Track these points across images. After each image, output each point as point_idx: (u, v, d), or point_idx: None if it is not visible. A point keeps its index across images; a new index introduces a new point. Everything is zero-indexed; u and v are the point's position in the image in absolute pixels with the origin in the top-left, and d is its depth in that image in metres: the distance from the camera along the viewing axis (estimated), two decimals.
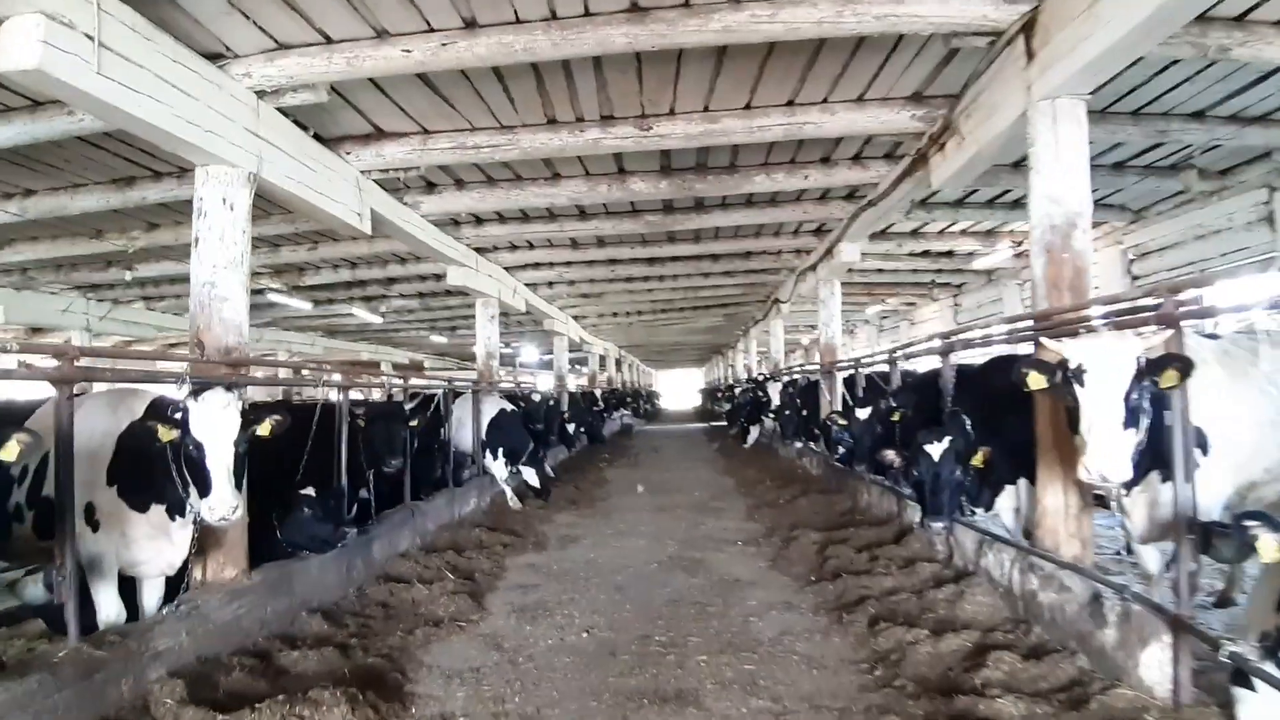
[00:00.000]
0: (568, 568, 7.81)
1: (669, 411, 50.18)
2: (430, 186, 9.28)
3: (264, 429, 4.79)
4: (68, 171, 7.96)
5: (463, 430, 11.13)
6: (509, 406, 11.79)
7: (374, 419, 7.70)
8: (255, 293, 15.38)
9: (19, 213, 8.21)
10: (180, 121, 5.02)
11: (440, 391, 10.21)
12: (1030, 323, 5.74)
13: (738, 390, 24.09)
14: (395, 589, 6.73)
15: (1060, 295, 5.30)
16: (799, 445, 14.22)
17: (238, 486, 4.51)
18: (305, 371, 7.58)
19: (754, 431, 19.96)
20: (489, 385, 12.39)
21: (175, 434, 4.34)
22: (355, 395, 7.93)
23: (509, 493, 11.53)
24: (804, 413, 13.32)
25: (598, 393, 24.50)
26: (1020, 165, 9.64)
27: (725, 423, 25.21)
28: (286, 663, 4.88)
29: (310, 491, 6.41)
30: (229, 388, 4.66)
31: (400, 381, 9.52)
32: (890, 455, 6.88)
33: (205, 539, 5.04)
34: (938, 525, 6.21)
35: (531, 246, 12.91)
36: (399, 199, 9.06)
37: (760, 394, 16.06)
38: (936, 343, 7.68)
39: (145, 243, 10.70)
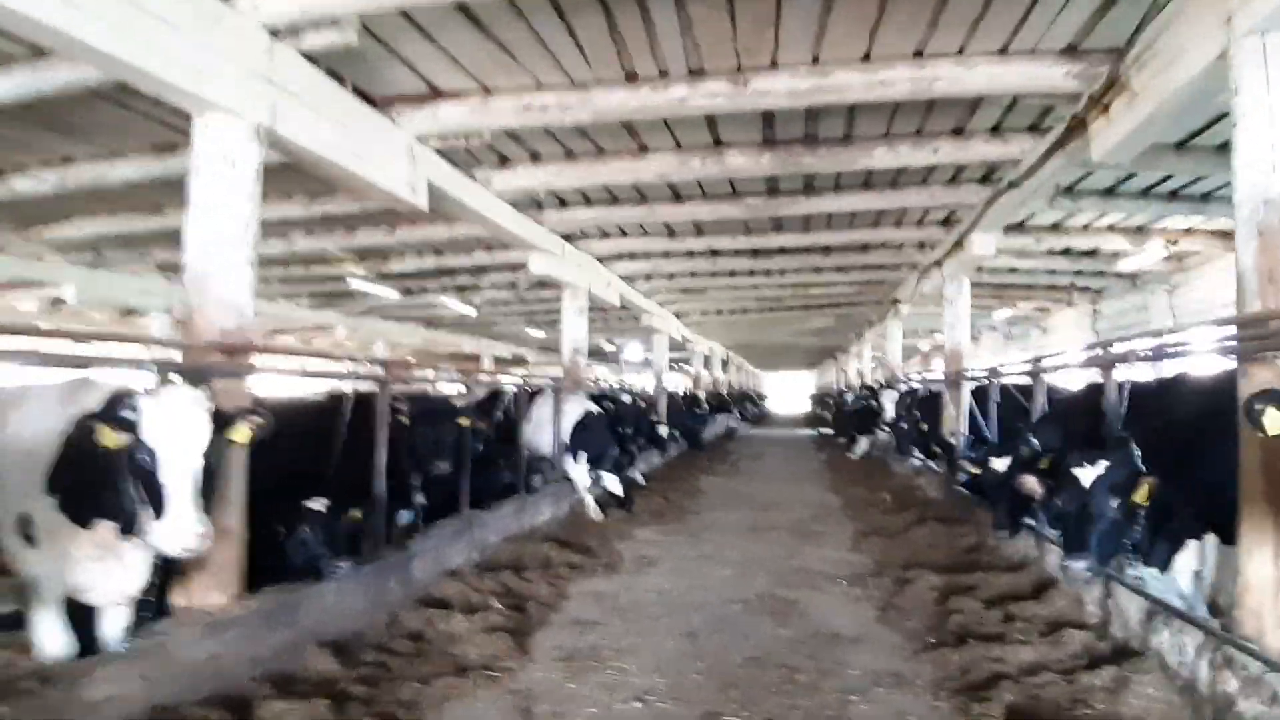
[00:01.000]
0: (637, 599, 6.70)
1: (777, 416, 48.46)
2: (502, 160, 8.35)
3: (239, 434, 3.88)
4: (101, 136, 7.37)
5: (542, 432, 10.19)
6: (594, 408, 10.78)
7: (419, 416, 6.79)
8: (333, 279, 15.06)
9: (59, 183, 7.71)
10: (171, 62, 4.18)
11: (511, 389, 9.27)
12: (1233, 330, 4.25)
13: (848, 398, 22.46)
14: (434, 616, 5.78)
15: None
16: (916, 463, 12.67)
17: (207, 506, 3.62)
18: (347, 363, 6.73)
19: (863, 443, 18.35)
20: (574, 384, 11.43)
21: (124, 439, 3.47)
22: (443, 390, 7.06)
23: (589, 502, 10.53)
24: (923, 426, 11.78)
25: (700, 394, 23.32)
26: (1184, 146, 7.96)
27: (833, 431, 23.60)
28: (267, 716, 3.96)
29: (318, 505, 5.56)
30: (198, 380, 3.77)
31: (458, 375, 8.55)
32: (1030, 482, 5.46)
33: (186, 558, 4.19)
34: (1079, 565, 4.90)
35: (624, 234, 11.87)
36: (468, 174, 8.16)
37: (873, 403, 14.51)
38: (1096, 352, 6.20)
39: None
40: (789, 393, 65.40)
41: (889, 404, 13.41)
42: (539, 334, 23.80)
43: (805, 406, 54.53)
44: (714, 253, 13.31)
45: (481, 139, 7.00)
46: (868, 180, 9.33)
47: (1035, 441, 6.12)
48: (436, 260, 13.11)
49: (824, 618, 6.23)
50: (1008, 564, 7.29)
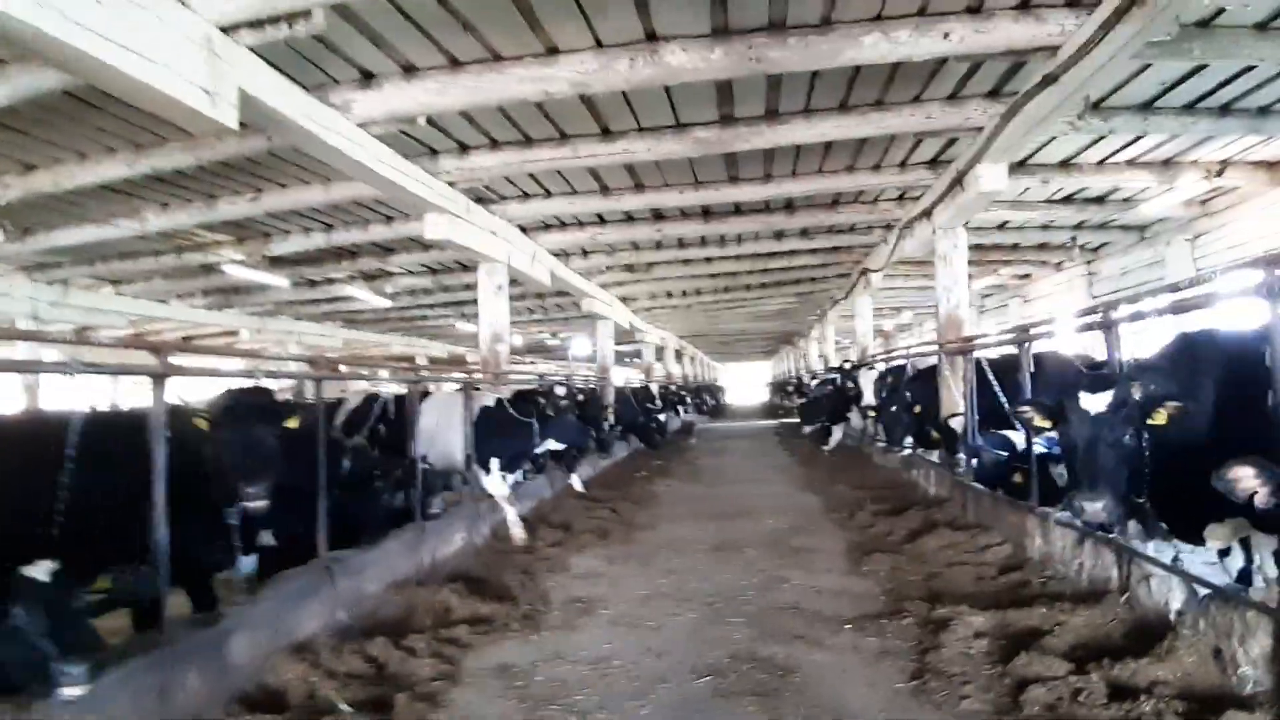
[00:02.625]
0: (560, 677, 4.62)
1: (735, 407, 46.66)
2: (365, 78, 6.19)
3: None
4: None
5: (440, 441, 8.07)
6: (493, 401, 8.72)
7: (223, 421, 4.60)
8: (206, 269, 12.71)
9: None
10: None
11: (388, 392, 7.17)
12: None
13: (814, 382, 20.60)
14: None
15: None
16: (906, 452, 10.77)
17: None
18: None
19: (837, 432, 16.48)
20: (494, 378, 9.28)
21: None
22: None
23: (511, 516, 8.43)
24: (915, 409, 9.87)
25: (653, 388, 21.29)
26: (1268, 27, 6.18)
27: (799, 420, 21.75)
28: None
29: (39, 572, 3.45)
30: None
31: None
32: (1247, 474, 3.40)
33: None
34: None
35: (545, 191, 9.74)
36: (318, 96, 5.99)
37: (849, 385, 12.55)
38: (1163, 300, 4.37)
39: (21, 191, 7.91)
40: (746, 384, 63.81)
41: (867, 385, 11.46)
42: (472, 328, 21.51)
43: (762, 397, 53.04)
44: (658, 215, 11.26)
45: (319, 30, 4.83)
46: (846, 100, 7.35)
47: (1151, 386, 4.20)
48: (326, 237, 10.86)
49: (834, 695, 4.21)
50: (1075, 591, 5.37)
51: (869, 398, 11.24)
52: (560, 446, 9.16)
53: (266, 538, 5.91)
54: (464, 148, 7.90)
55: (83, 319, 13.50)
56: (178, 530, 4.20)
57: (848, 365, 14.51)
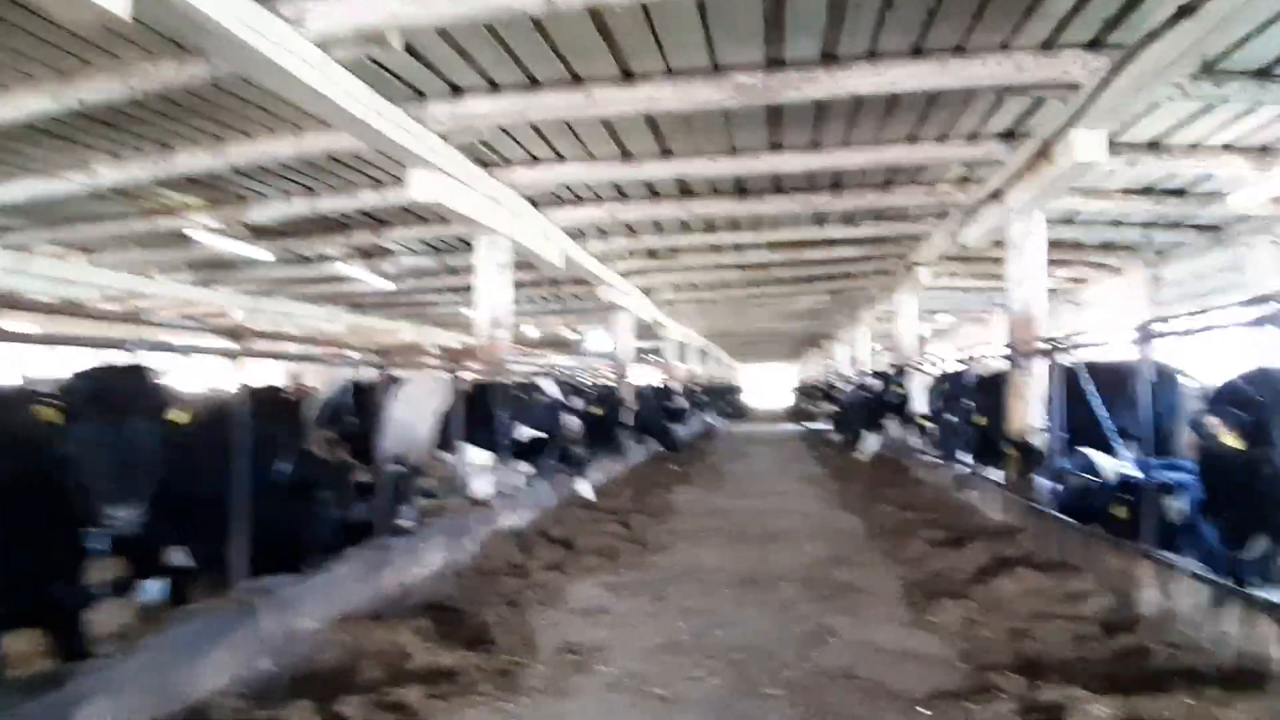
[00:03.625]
0: None
1: (757, 411, 45.17)
2: None
3: None
4: None
5: (409, 437, 6.82)
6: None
7: (81, 412, 3.33)
8: (184, 238, 11.48)
9: None
10: None
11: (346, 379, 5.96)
12: None
13: (848, 387, 19.19)
14: None
15: None
16: (960, 469, 9.38)
17: None
18: None
19: (872, 440, 15.10)
20: (493, 367, 8.01)
21: None
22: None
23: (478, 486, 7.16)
24: (978, 420, 8.50)
25: (674, 387, 19.96)
26: None
27: (832, 426, 20.36)
28: None
29: None
30: None
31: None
32: None
33: None
34: None
35: (559, 156, 8.45)
36: (266, 4, 4.73)
37: (897, 388, 11.11)
38: None
39: None
40: (769, 386, 62.11)
41: (918, 391, 10.05)
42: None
43: (786, 401, 51.34)
44: (685, 190, 9.94)
45: None
46: (922, 40, 6.01)
47: None
48: (309, 203, 9.63)
49: None
50: (1220, 669, 4.03)
51: (921, 405, 9.83)
52: (532, 434, 7.85)
53: (180, 557, 4.69)
54: (455, 89, 6.62)
55: (48, 289, 12.35)
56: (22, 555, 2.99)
57: (893, 368, 13.09)
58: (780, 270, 15.44)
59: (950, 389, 9.36)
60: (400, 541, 5.90)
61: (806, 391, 35.86)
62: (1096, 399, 6.12)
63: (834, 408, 20.37)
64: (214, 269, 14.45)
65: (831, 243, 13.21)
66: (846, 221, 11.65)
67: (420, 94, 6.66)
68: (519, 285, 17.25)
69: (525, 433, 7.45)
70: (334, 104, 5.46)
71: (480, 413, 7.18)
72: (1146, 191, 10.56)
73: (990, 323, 24.41)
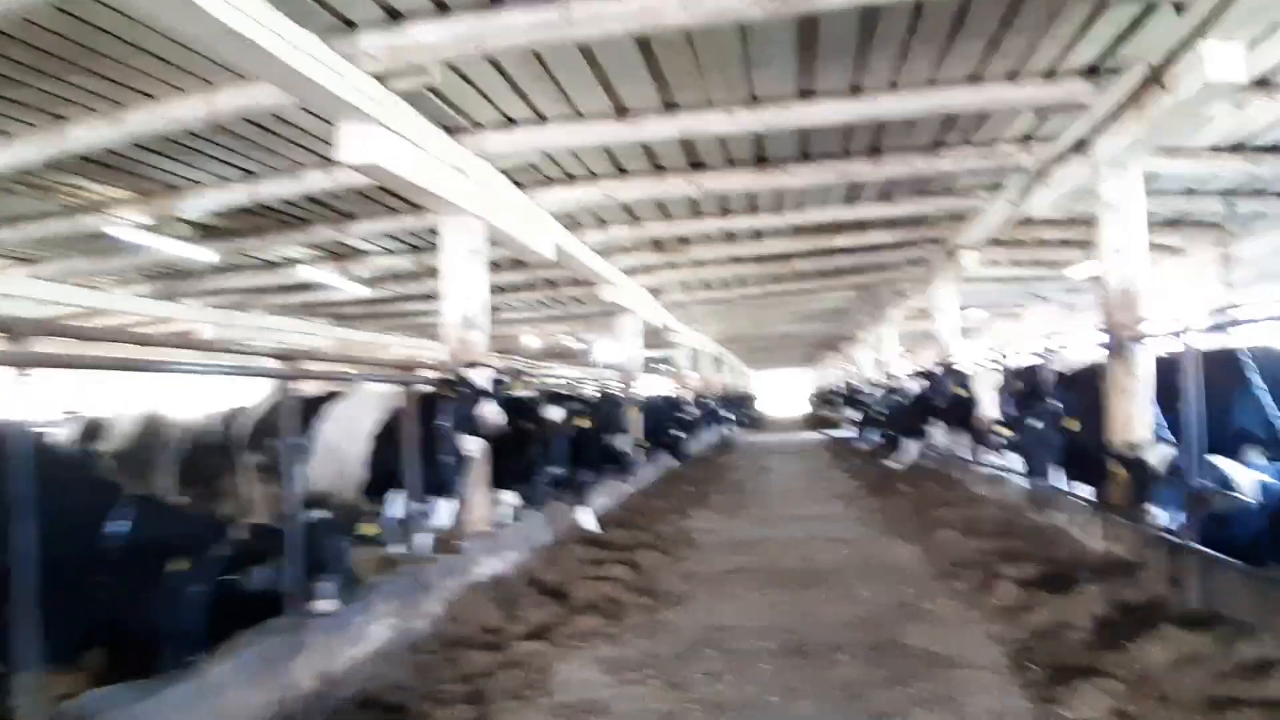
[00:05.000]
0: None
1: (772, 419, 43.40)
2: None
3: None
4: None
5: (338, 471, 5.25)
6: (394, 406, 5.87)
7: None
8: (95, 238, 9.76)
9: None
10: None
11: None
12: None
13: (876, 391, 17.52)
14: None
15: None
16: (1039, 483, 7.69)
17: None
18: None
19: (912, 448, 13.45)
20: (455, 376, 6.38)
21: None
22: None
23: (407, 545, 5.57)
24: (1069, 426, 6.85)
25: (686, 395, 18.34)
26: None
27: (857, 434, 18.68)
28: None
29: None
30: None
31: None
32: None
33: None
34: None
35: (539, 117, 6.88)
36: None
37: (959, 390, 9.38)
38: None
39: None
40: (783, 394, 60.36)
41: (984, 391, 8.35)
42: None
43: (800, 408, 49.50)
44: (694, 162, 8.37)
45: None
46: None
47: None
48: (249, 189, 8.08)
49: None
50: None
51: (987, 406, 8.14)
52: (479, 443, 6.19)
53: None
54: (392, 13, 5.05)
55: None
56: None
57: (940, 367, 11.42)
58: (803, 262, 13.79)
59: (1027, 388, 7.69)
60: (320, 623, 4.30)
61: (825, 397, 34.13)
62: (1265, 393, 4.47)
63: (859, 414, 18.69)
64: (173, 279, 12.96)
65: (863, 226, 11.59)
66: (883, 198, 10.03)
67: (348, 23, 5.11)
68: (514, 289, 15.83)
69: (471, 444, 5.86)
70: (217, 22, 3.91)
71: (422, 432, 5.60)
72: (1237, 149, 8.92)
73: (1025, 318, 22.68)
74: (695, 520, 9.82)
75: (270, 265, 12.15)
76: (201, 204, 8.40)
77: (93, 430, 10.32)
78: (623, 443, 9.68)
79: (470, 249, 7.01)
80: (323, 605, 4.23)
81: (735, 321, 23.16)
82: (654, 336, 20.69)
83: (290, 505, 4.19)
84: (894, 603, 5.84)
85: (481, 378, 5.85)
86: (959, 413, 10.13)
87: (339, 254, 11.75)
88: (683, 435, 14.51)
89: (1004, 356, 9.18)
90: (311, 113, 5.96)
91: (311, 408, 6.19)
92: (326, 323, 18.27)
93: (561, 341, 25.77)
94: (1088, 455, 6.69)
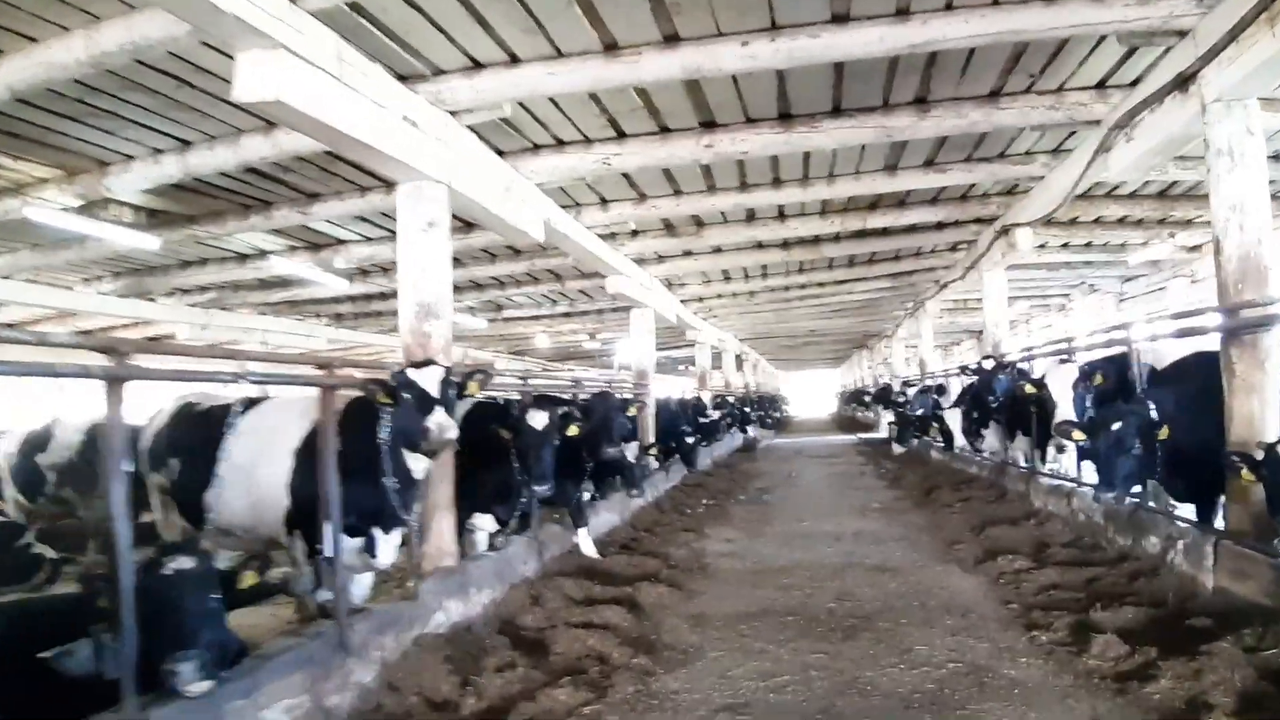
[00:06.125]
0: None
1: (799, 420, 41.88)
2: None
3: None
4: None
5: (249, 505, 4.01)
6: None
7: None
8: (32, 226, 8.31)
9: None
10: None
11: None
12: None
13: (910, 391, 16.12)
14: None
15: None
16: (1123, 497, 6.21)
17: None
18: None
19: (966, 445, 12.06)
20: (393, 379, 5.06)
21: None
22: None
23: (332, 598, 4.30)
24: (1159, 431, 5.45)
25: (705, 398, 17.02)
26: None
27: (893, 436, 17.23)
28: None
29: None
30: None
31: None
32: None
33: None
34: None
35: (512, 57, 5.61)
36: None
37: (1030, 388, 7.91)
38: None
39: None
40: (808, 394, 58.90)
41: (1062, 388, 6.91)
42: (475, 323, 17.41)
43: (828, 408, 48.04)
44: (705, 122, 7.05)
45: None
46: None
47: None
48: (181, 160, 6.88)
49: None
50: None
51: (1068, 407, 6.71)
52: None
53: None
54: None
55: None
56: None
57: (994, 360, 9.97)
58: (831, 247, 12.39)
59: (1110, 386, 6.27)
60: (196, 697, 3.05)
61: (855, 398, 32.58)
62: None
63: (893, 414, 17.27)
64: (140, 275, 11.84)
65: (903, 202, 10.21)
66: (928, 165, 8.65)
67: None
68: (515, 281, 14.56)
69: (416, 464, 4.58)
70: None
71: (353, 449, 4.33)
72: None
73: (1073, 310, 21.05)
74: (712, 540, 8.52)
75: (241, 258, 10.99)
76: (132, 180, 7.21)
77: (37, 442, 9.31)
78: (629, 451, 8.42)
79: (428, 220, 5.74)
80: (189, 688, 3.00)
81: (759, 316, 21.75)
82: (673, 335, 19.39)
83: (120, 553, 2.96)
84: (963, 664, 4.49)
85: (429, 380, 4.56)
86: (1017, 413, 8.72)
87: (314, 243, 10.56)
88: (699, 440, 13.24)
89: (1069, 346, 7.79)
90: (213, 46, 4.73)
91: (216, 417, 4.96)
92: (323, 323, 17.15)
93: (578, 343, 24.54)
94: (1188, 464, 5.32)
